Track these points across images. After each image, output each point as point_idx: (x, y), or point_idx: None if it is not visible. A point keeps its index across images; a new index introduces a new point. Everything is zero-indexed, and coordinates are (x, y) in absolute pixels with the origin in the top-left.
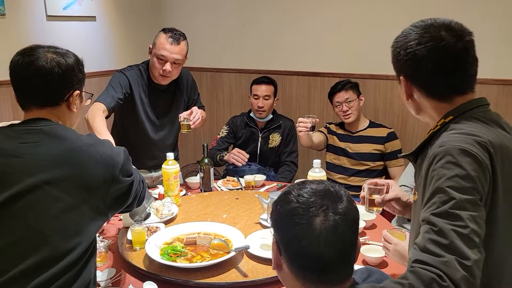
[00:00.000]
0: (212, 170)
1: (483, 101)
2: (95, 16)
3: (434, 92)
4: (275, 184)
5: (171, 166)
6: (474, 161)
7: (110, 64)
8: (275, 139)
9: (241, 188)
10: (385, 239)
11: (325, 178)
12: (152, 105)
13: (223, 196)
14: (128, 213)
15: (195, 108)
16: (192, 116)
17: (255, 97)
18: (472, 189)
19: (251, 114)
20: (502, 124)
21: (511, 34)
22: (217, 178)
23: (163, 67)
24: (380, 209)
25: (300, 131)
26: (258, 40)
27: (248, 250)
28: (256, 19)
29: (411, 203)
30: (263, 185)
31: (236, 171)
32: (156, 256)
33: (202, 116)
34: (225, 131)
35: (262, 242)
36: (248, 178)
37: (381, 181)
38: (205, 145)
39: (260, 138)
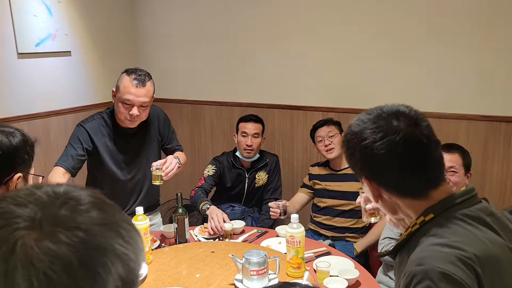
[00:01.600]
0: (186, 220)
1: (468, 192)
2: (70, 51)
3: (406, 191)
4: (254, 230)
5: (140, 222)
6: (458, 286)
7: (86, 99)
8: (262, 177)
9: (218, 237)
10: None
11: (303, 234)
12: (121, 151)
13: (199, 248)
14: None
15: (170, 157)
16: (165, 167)
17: (244, 134)
18: None
19: (237, 154)
20: (488, 222)
21: (496, 70)
22: (194, 224)
23: (130, 112)
24: (378, 216)
25: (272, 216)
26: (239, 72)
27: None
28: (238, 51)
29: None
30: (242, 232)
31: None
32: None
33: (179, 164)
34: (212, 170)
35: None
36: (227, 226)
37: None
38: (179, 194)
39: (246, 179)
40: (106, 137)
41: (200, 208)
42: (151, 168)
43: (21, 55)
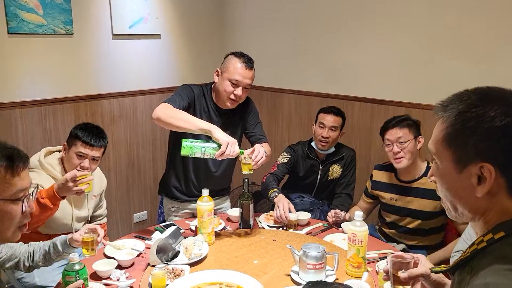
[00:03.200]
0: (251, 206)
1: None
2: (160, 34)
3: None
4: (320, 224)
5: (205, 203)
6: None
7: (173, 81)
8: (336, 170)
9: (282, 227)
10: None
11: (366, 233)
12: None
13: (261, 235)
14: (154, 250)
15: (257, 146)
16: (254, 156)
17: (321, 126)
18: None
19: (312, 144)
20: None
21: None
22: (260, 207)
23: (235, 92)
24: (408, 287)
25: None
26: (320, 63)
27: None
28: (319, 42)
29: (443, 284)
30: (308, 224)
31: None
32: None
33: (265, 153)
34: (286, 157)
35: None
36: (292, 216)
37: (407, 254)
38: (246, 180)
39: (320, 171)
40: (202, 105)
41: (269, 195)
42: (240, 158)
43: (116, 36)
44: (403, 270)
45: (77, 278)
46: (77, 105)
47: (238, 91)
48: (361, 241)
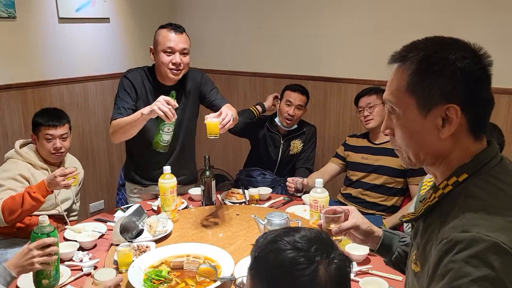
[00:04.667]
0: (213, 183)
1: (496, 148)
2: (108, 18)
3: (480, 126)
4: (281, 198)
5: (167, 180)
6: (510, 259)
7: (123, 66)
8: (297, 145)
9: (245, 202)
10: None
11: (327, 199)
12: None
13: (224, 211)
14: (117, 229)
15: (224, 108)
16: (221, 118)
17: (288, 103)
18: None
19: (276, 120)
20: None
21: None
22: (220, 189)
23: (172, 60)
24: (340, 237)
25: (289, 191)
26: (274, 44)
27: (235, 280)
28: (272, 22)
29: (373, 232)
30: (269, 199)
31: (249, 181)
32: (138, 283)
33: (232, 117)
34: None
35: None
36: (252, 191)
37: (339, 208)
38: (207, 157)
39: (281, 145)
40: (149, 89)
41: (253, 108)
42: (205, 120)
43: (62, 19)
44: (334, 224)
45: None
46: (24, 92)
47: (176, 58)
48: (323, 206)
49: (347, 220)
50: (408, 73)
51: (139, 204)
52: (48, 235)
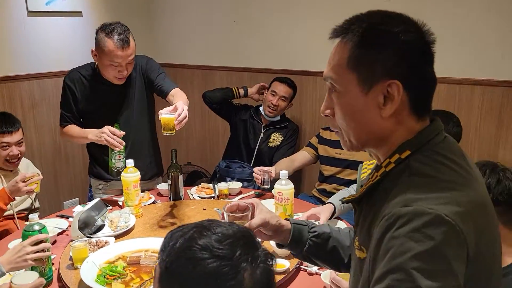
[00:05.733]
0: (181, 177)
1: (440, 126)
2: (81, 12)
3: (422, 105)
4: (252, 192)
5: (130, 174)
6: (452, 232)
7: None
8: (277, 138)
9: (214, 197)
10: (332, 282)
11: (292, 191)
12: (105, 101)
13: (191, 206)
14: (76, 225)
15: (179, 103)
16: (177, 114)
17: (273, 93)
18: (447, 273)
19: (260, 108)
20: (465, 155)
21: None
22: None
23: (120, 72)
24: None
25: (257, 182)
26: (250, 38)
27: None
28: (248, 16)
29: (282, 226)
30: (239, 193)
31: (227, 172)
32: (89, 279)
33: (187, 112)
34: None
35: None
36: (222, 185)
37: (243, 204)
38: (173, 151)
39: (262, 134)
40: (90, 89)
41: (235, 89)
42: (160, 116)
43: (31, 13)
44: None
45: None
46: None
47: (124, 72)
48: (287, 199)
49: (254, 216)
50: (350, 46)
51: (99, 199)
52: (39, 231)
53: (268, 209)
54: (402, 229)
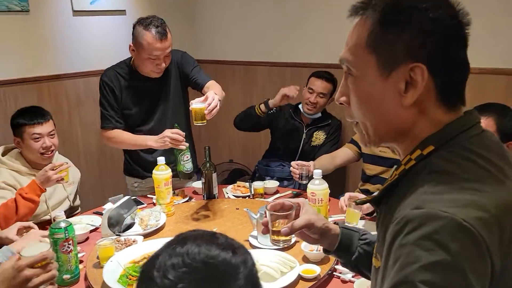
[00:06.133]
0: (214, 175)
1: (476, 118)
2: (124, 10)
3: (451, 93)
4: (289, 192)
5: (161, 172)
6: (471, 241)
7: None
8: (320, 137)
9: (249, 196)
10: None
11: (327, 192)
12: (141, 98)
13: (224, 205)
14: (105, 222)
15: (210, 93)
16: (208, 103)
17: (310, 91)
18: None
19: (299, 106)
20: (508, 155)
21: None
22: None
23: (158, 65)
24: (289, 238)
25: (294, 177)
26: (291, 32)
27: None
28: (287, 9)
29: (329, 230)
30: (276, 192)
31: (266, 171)
32: (112, 279)
33: (219, 101)
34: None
35: None
36: (257, 184)
37: (288, 202)
38: (207, 148)
39: (304, 135)
40: (126, 85)
41: (257, 107)
42: (190, 106)
43: (77, 12)
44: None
45: (67, 235)
46: (39, 86)
47: (163, 64)
48: (321, 200)
49: (299, 216)
50: (369, 24)
51: (129, 197)
52: (65, 229)
53: (315, 211)
54: (411, 236)
